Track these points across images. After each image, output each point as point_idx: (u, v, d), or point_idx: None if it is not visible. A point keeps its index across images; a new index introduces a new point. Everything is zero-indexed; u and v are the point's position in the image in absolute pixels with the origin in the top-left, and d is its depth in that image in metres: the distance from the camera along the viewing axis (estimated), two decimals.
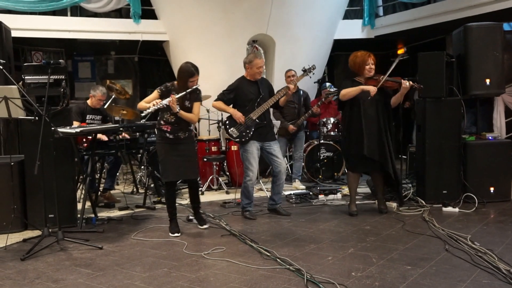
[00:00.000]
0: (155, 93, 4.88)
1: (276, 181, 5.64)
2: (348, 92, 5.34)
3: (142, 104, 4.83)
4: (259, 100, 5.51)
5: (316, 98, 8.19)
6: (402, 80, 5.22)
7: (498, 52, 5.94)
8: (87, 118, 6.53)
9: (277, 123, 7.07)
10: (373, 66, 5.39)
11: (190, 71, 4.82)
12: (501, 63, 5.99)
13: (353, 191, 5.67)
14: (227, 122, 5.60)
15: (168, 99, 4.72)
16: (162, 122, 4.92)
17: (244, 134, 5.48)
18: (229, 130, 5.55)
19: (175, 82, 4.94)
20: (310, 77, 5.85)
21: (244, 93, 5.54)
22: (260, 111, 5.47)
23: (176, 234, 4.87)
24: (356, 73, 5.48)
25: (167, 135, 4.89)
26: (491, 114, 7.18)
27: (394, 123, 5.57)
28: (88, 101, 6.64)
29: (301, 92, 7.57)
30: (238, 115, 5.46)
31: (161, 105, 4.71)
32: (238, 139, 5.53)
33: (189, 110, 4.94)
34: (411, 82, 5.25)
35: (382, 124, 5.37)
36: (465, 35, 5.99)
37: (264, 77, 8.29)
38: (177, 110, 4.77)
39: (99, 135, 6.19)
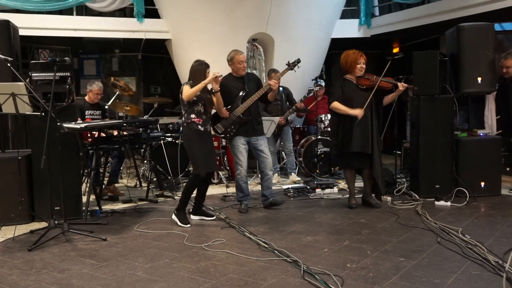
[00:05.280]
0: (188, 87, 4.99)
1: (264, 176, 5.68)
2: (337, 108, 5.50)
3: (190, 92, 4.92)
4: (244, 96, 5.53)
5: (312, 95, 8.30)
6: (399, 83, 5.29)
7: (490, 51, 6.03)
8: (86, 114, 6.57)
9: (275, 119, 7.12)
10: (364, 66, 5.48)
11: (205, 64, 5.10)
12: (493, 62, 6.07)
13: (351, 186, 5.77)
14: (213, 118, 5.58)
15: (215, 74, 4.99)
16: (192, 115, 5.04)
17: (229, 130, 5.53)
18: (215, 126, 5.57)
19: (190, 82, 5.07)
20: (295, 71, 5.76)
21: (229, 89, 5.55)
22: (244, 106, 5.48)
23: (189, 225, 5.02)
24: (347, 71, 5.58)
25: (199, 127, 5.04)
26: (482, 111, 7.23)
27: (389, 120, 5.65)
28: (86, 97, 6.68)
29: (281, 89, 7.55)
30: (222, 110, 5.46)
31: (219, 75, 5.01)
32: (223, 135, 5.60)
33: (212, 101, 5.21)
34: (405, 84, 5.34)
35: (372, 122, 5.46)
36: (458, 35, 6.08)
37: (252, 72, 8.35)
38: (218, 88, 5.08)
39: (111, 130, 6.26)
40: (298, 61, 5.67)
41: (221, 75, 5.11)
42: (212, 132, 5.39)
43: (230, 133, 5.54)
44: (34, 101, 4.81)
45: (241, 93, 5.56)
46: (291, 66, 5.65)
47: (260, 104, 5.91)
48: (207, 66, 5.10)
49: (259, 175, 5.80)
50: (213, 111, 5.56)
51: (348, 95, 5.50)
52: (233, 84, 5.59)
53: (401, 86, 5.30)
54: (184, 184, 7.24)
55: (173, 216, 5.15)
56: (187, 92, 4.93)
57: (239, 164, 5.56)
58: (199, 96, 5.02)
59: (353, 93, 5.49)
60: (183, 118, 5.15)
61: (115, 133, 6.31)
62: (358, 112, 5.37)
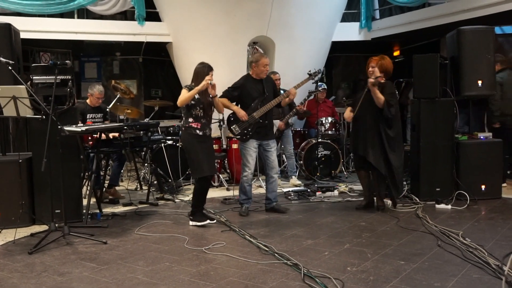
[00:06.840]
0: (185, 91, 5.03)
1: (269, 179, 5.71)
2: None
3: (182, 98, 4.96)
4: (263, 100, 5.56)
5: (313, 98, 8.30)
6: (369, 79, 5.38)
7: (490, 54, 6.04)
8: (88, 117, 6.58)
9: (276, 122, 7.14)
10: (372, 69, 5.50)
11: (208, 66, 5.10)
12: (493, 65, 6.09)
13: (363, 186, 5.84)
14: (231, 119, 5.64)
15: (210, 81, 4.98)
16: (190, 120, 5.07)
17: (245, 132, 5.55)
18: (232, 127, 5.60)
19: (193, 84, 5.10)
20: (314, 79, 5.94)
21: (248, 91, 5.59)
22: (263, 110, 5.52)
23: (208, 221, 5.11)
24: None
25: (197, 132, 5.05)
26: (483, 114, 7.28)
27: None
28: (87, 101, 6.70)
29: (282, 92, 7.61)
30: (241, 113, 5.51)
31: (211, 83, 4.97)
32: (239, 136, 5.61)
33: (212, 104, 5.19)
34: (371, 80, 5.37)
35: (372, 125, 5.47)
36: (459, 38, 6.09)
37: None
38: (216, 94, 5.08)
39: (111, 133, 6.27)
40: (319, 71, 5.81)
41: (212, 83, 5.05)
42: (227, 134, 5.43)
43: (246, 135, 5.57)
44: (35, 104, 4.81)
45: (259, 97, 5.59)
46: (312, 76, 5.78)
47: None
48: (210, 69, 5.09)
49: (265, 177, 5.81)
50: (230, 111, 5.63)
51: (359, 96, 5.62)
52: (253, 87, 5.62)
53: (369, 82, 5.36)
54: (185, 186, 7.33)
55: (191, 222, 5.18)
56: (181, 97, 4.97)
57: (247, 167, 5.59)
58: (197, 99, 5.03)
59: (366, 94, 5.51)
60: (181, 122, 5.15)
61: (114, 135, 6.32)
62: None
